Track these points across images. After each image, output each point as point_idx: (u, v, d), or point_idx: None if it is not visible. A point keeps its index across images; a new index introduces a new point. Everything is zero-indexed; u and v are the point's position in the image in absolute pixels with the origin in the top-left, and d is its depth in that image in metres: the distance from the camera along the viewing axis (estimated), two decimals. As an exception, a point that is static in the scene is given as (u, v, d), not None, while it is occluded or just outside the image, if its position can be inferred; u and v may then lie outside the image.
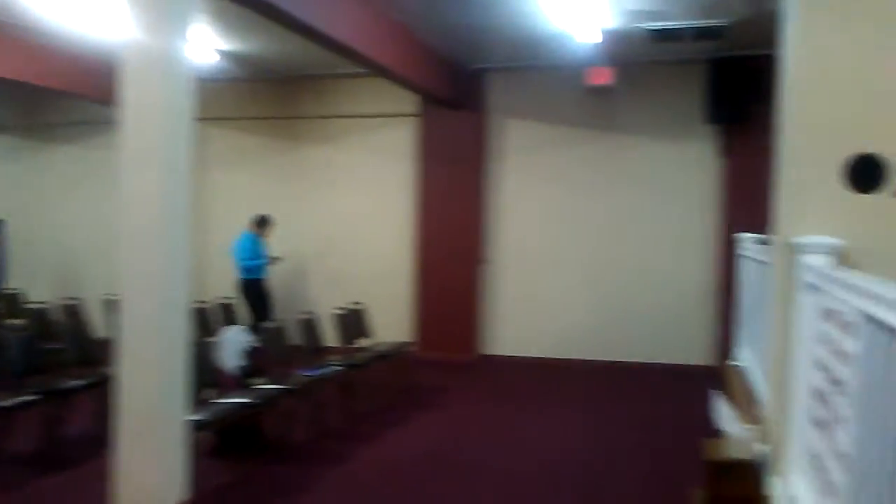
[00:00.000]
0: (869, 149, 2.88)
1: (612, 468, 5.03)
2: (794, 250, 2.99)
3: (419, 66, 7.26)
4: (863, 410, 2.05)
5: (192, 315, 4.69)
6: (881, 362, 1.82)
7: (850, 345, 2.20)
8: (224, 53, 7.89)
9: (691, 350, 8.02)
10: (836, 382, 2.47)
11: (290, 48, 7.27)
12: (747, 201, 6.67)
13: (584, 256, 8.42)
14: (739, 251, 6.12)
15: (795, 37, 3.06)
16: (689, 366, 7.88)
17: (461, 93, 8.37)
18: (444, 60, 7.89)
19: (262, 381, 5.35)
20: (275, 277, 8.57)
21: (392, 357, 6.98)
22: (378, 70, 6.63)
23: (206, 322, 7.11)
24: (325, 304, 7.52)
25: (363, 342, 7.06)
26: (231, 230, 8.53)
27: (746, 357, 5.31)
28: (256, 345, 5.72)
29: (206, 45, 7.47)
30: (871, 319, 1.88)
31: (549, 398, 7.02)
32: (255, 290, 8.21)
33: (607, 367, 8.12)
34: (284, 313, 7.86)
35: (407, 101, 8.61)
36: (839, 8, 2.96)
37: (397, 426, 5.90)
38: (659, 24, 6.21)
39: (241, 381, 5.38)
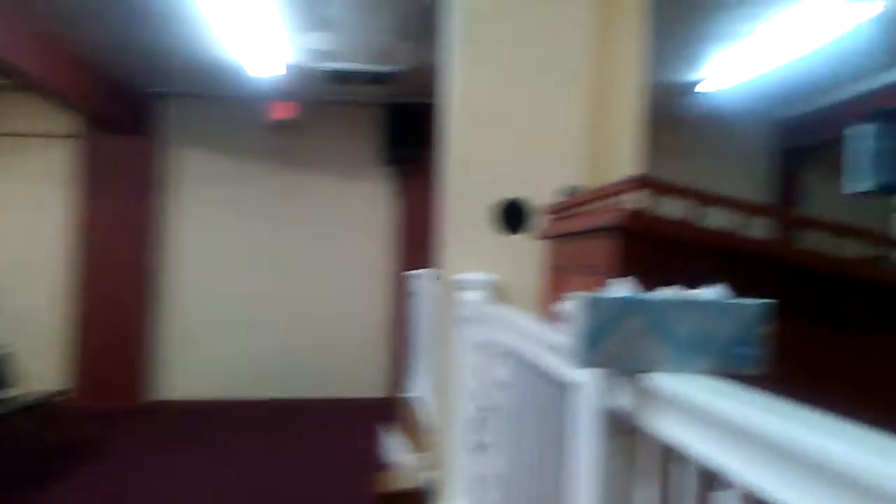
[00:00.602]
0: (515, 194, 3.20)
1: (288, 509, 4.92)
2: (454, 286, 3.20)
3: (79, 83, 6.60)
4: (511, 434, 2.22)
5: None
6: (524, 389, 1.99)
7: (500, 373, 2.39)
8: None
9: (370, 383, 8.25)
10: (489, 409, 2.66)
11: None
12: (419, 240, 7.07)
13: (266, 293, 8.26)
14: (412, 287, 6.44)
15: (452, 88, 3.31)
16: (368, 399, 8.08)
17: (132, 117, 7.79)
18: (112, 81, 7.28)
19: None
20: None
21: (41, 408, 6.15)
22: (24, 82, 5.89)
23: None
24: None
25: (5, 393, 6.13)
26: None
27: (418, 388, 5.57)
28: None
29: None
30: (515, 350, 2.05)
31: (225, 441, 6.70)
32: None
33: (289, 404, 8.01)
34: None
35: (66, 122, 7.79)
36: (491, 62, 3.26)
37: (43, 488, 5.19)
38: (337, 66, 6.38)
39: None
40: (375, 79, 6.47)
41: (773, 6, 4.99)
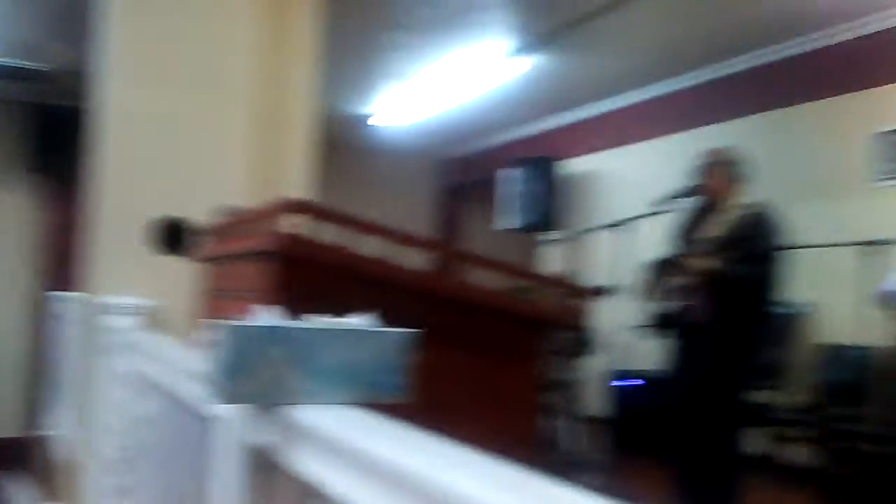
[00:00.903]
0: (175, 212, 3.00)
1: None
2: (101, 310, 2.89)
3: None
4: (157, 475, 2.04)
5: None
6: (170, 425, 1.83)
7: (146, 407, 2.18)
8: None
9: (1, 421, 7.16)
10: (134, 447, 2.42)
11: None
12: (67, 257, 6.35)
13: None
14: (56, 311, 5.75)
15: (106, 94, 3.02)
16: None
17: None
18: None
19: None
20: None
21: None
22: None
23: None
24: None
25: None
26: None
27: (57, 425, 4.96)
28: None
29: None
30: (161, 381, 1.89)
31: None
32: None
33: None
34: None
35: None
36: (150, 73, 3.04)
37: None
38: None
39: None
40: (19, 75, 5.73)
41: (437, 51, 5.39)
